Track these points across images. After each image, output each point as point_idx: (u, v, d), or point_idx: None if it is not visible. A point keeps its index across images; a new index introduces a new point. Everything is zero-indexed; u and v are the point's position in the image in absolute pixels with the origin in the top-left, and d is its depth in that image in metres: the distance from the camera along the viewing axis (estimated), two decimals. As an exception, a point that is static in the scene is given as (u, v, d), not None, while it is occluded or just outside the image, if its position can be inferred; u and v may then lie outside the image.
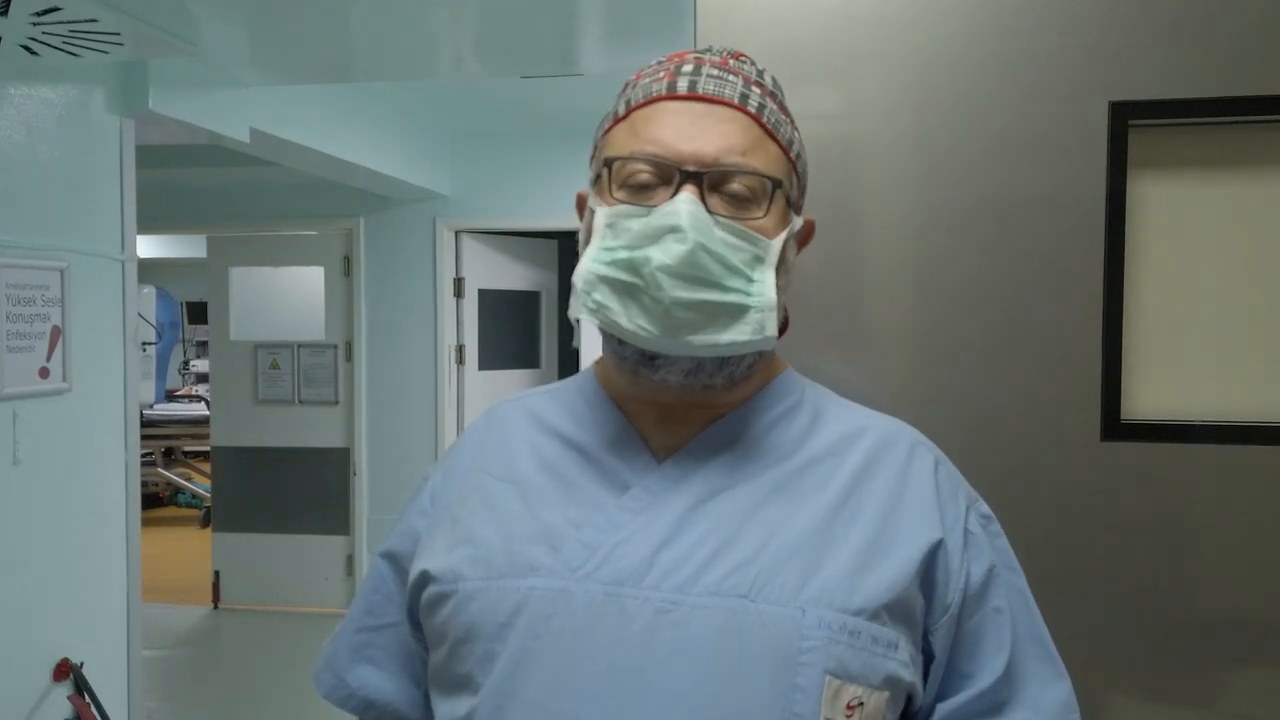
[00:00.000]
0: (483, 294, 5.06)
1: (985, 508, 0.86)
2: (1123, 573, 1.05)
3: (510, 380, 5.23)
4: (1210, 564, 1.04)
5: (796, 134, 0.86)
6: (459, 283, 4.92)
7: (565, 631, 0.76)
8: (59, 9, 1.94)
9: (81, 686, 2.45)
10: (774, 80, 0.87)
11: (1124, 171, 1.03)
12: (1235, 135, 1.04)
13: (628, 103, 0.84)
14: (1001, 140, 1.05)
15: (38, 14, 1.95)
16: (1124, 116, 1.03)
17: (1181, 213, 1.05)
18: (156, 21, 2.28)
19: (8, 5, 1.87)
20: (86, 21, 2.03)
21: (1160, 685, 1.05)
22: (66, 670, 2.43)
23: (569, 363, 5.65)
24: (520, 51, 2.80)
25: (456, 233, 4.90)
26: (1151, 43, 1.03)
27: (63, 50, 2.19)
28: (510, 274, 5.25)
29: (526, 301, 5.41)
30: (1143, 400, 1.05)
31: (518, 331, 5.36)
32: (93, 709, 2.45)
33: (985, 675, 0.80)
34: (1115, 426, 1.04)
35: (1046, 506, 1.05)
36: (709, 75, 0.82)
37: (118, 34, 2.14)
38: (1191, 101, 1.02)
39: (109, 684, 2.60)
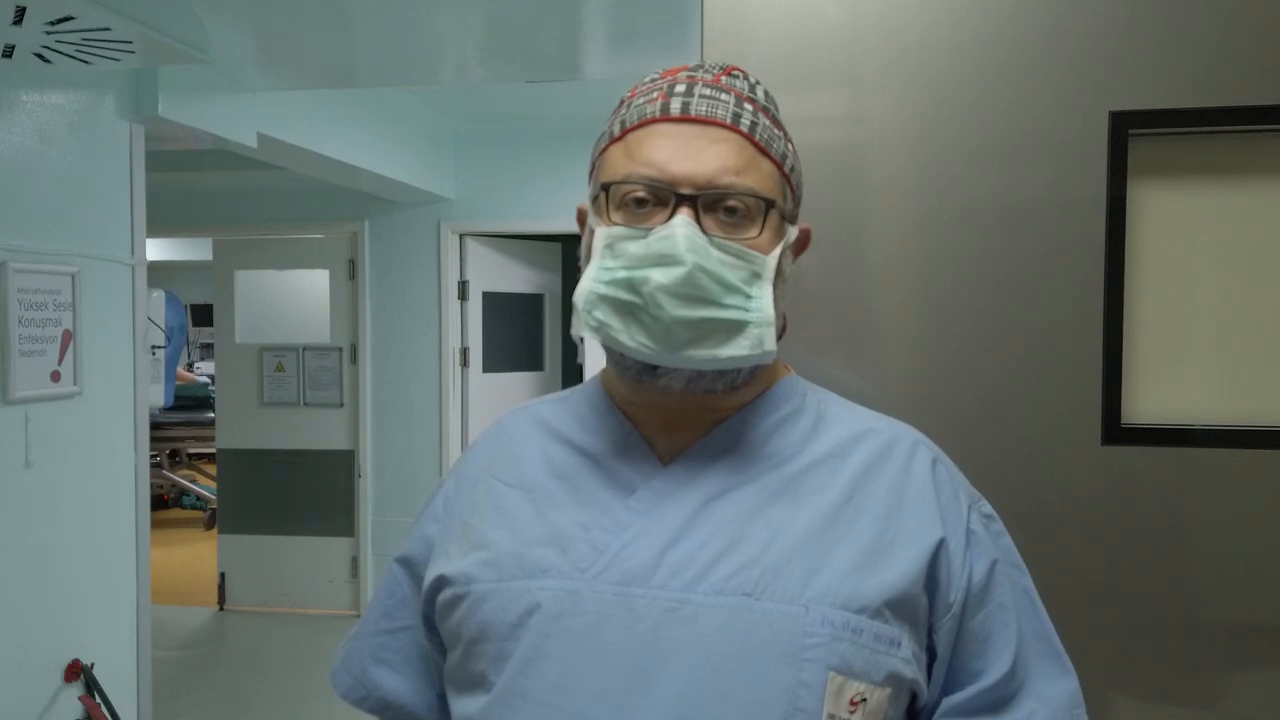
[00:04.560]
0: (487, 297, 5.07)
1: (988, 507, 0.87)
2: (1123, 576, 1.06)
3: (514, 383, 5.24)
4: (1210, 568, 1.05)
5: (790, 146, 0.87)
6: (463, 285, 4.94)
7: (575, 630, 0.78)
8: (72, 18, 1.96)
9: (92, 687, 2.47)
10: (766, 94, 0.88)
11: (1124, 179, 1.05)
12: (1233, 144, 1.05)
13: (623, 123, 0.85)
14: (1004, 148, 1.07)
15: (51, 23, 1.97)
16: (1124, 125, 1.04)
17: (1181, 219, 1.06)
18: (167, 30, 2.30)
19: (22, 14, 1.89)
20: (99, 30, 2.05)
21: (1161, 688, 1.06)
22: (77, 671, 2.45)
23: (572, 365, 5.67)
24: (524, 57, 2.82)
25: (461, 236, 4.92)
26: (1151, 53, 1.04)
27: (76, 59, 2.21)
28: (514, 277, 5.26)
29: (530, 304, 5.42)
30: (1143, 405, 1.07)
31: (522, 334, 5.37)
32: (103, 709, 2.47)
33: (992, 671, 0.81)
34: (1115, 431, 1.05)
35: (1047, 511, 1.06)
36: (701, 95, 0.83)
37: (129, 42, 2.16)
38: (1190, 111, 1.03)
39: (119, 685, 2.62)
